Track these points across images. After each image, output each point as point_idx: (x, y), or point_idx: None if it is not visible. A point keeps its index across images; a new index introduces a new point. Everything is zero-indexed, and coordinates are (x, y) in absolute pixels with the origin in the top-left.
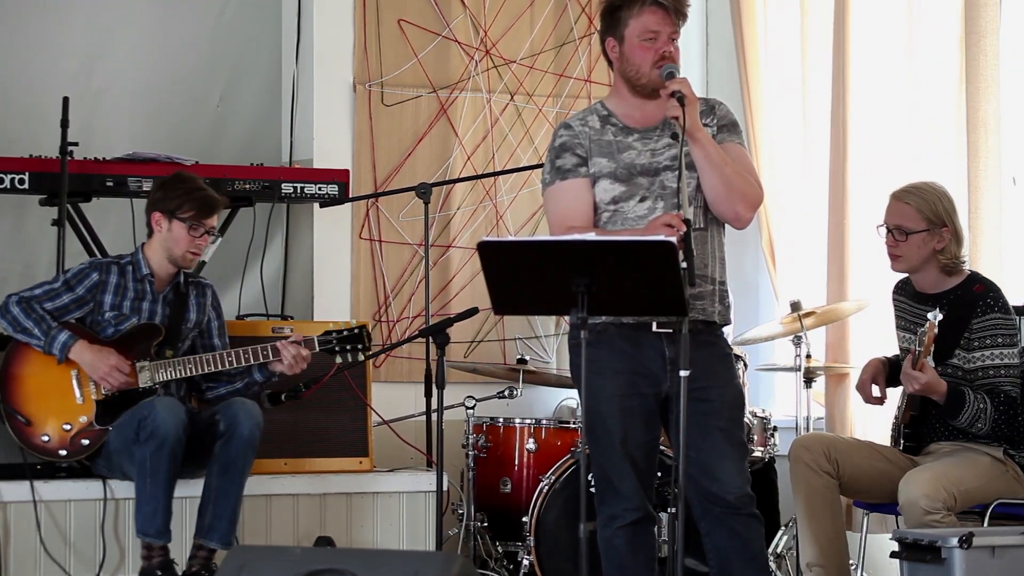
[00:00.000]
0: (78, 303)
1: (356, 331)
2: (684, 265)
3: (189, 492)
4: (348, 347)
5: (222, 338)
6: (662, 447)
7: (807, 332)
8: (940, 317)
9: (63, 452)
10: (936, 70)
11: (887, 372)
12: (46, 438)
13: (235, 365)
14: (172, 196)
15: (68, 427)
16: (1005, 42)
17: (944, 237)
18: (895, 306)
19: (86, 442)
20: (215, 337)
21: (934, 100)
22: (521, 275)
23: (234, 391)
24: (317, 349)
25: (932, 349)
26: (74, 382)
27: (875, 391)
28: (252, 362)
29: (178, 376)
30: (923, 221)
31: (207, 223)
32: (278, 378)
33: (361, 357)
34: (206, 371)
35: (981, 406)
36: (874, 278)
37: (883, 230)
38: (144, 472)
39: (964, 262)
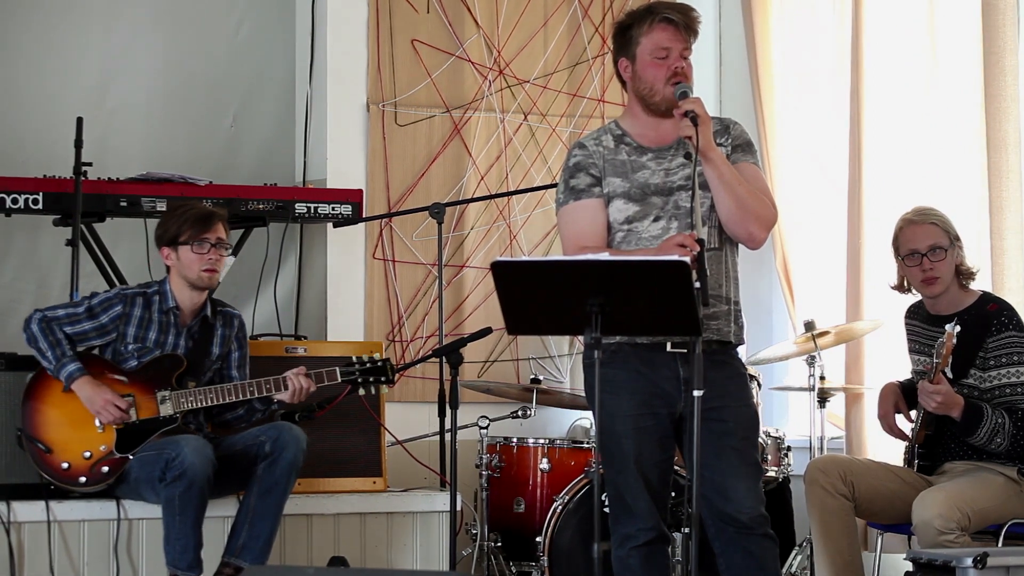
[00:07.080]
0: (100, 332)
1: (380, 364)
2: (697, 285)
3: (212, 513)
4: (371, 379)
5: (240, 370)
6: (676, 467)
7: (821, 352)
8: (959, 328)
9: (83, 479)
10: (955, 90)
11: (905, 397)
12: (66, 466)
13: (255, 396)
14: (169, 226)
15: (88, 455)
16: None
17: (960, 250)
18: (908, 330)
19: (106, 469)
20: (233, 368)
21: (953, 120)
22: (535, 295)
23: (237, 417)
24: (339, 380)
25: (950, 360)
26: None
27: (900, 420)
28: (265, 393)
29: (199, 406)
30: (947, 238)
31: (209, 236)
32: (277, 406)
33: (385, 390)
34: (226, 401)
35: (999, 421)
36: (890, 298)
37: (911, 259)
38: (173, 510)
39: (977, 271)
